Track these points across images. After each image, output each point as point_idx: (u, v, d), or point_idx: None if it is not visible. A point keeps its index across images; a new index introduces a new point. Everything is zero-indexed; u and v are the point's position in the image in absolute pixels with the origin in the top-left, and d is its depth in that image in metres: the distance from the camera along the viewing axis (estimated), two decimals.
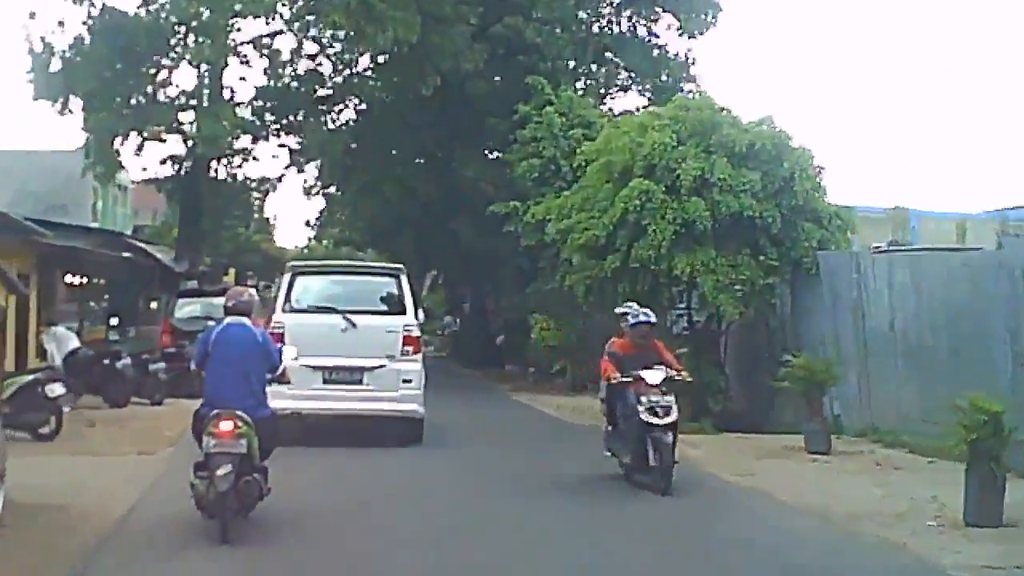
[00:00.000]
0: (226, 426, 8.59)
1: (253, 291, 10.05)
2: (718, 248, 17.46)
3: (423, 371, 15.33)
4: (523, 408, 23.49)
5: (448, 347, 44.02)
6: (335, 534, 9.29)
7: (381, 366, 14.85)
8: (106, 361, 19.63)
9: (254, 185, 27.75)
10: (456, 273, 39.13)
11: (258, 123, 27.50)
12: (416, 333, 15.34)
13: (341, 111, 32.14)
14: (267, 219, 54.21)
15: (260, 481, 8.92)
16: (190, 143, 26.63)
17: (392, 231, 38.17)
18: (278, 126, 28.19)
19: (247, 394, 8.98)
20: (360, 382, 14.88)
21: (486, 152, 31.80)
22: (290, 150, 28.37)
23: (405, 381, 14.91)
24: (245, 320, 9.32)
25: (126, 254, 28.06)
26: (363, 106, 33.14)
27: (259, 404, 9.13)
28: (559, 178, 26.50)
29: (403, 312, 15.29)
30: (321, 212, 41.38)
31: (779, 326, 18.91)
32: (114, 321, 24.06)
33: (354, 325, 14.94)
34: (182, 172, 27.10)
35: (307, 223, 43.19)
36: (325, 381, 14.79)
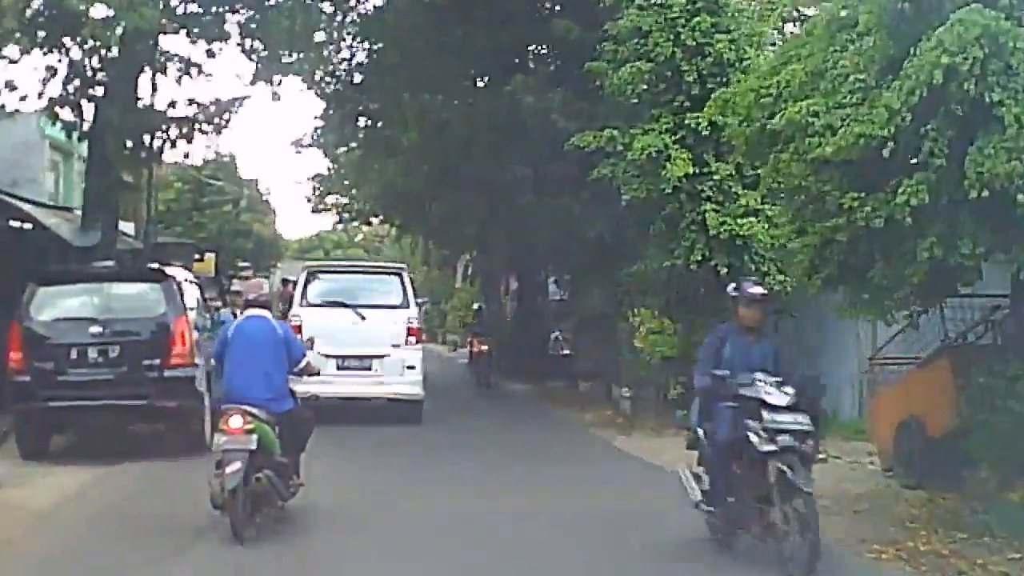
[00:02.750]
0: (235, 422, 8.52)
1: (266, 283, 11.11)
2: None
3: (423, 359, 17.51)
4: (649, 474, 13.56)
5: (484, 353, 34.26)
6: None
7: (387, 354, 16.71)
8: None
9: (199, 115, 17.66)
10: (502, 252, 29.05)
11: (205, 14, 17.48)
12: (417, 324, 17.43)
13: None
14: (261, 195, 44.41)
15: (274, 478, 8.77)
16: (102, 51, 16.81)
17: (415, 198, 28.27)
18: (237, 20, 18.01)
19: (266, 388, 8.88)
20: (369, 368, 16.70)
21: (554, 68, 21.94)
22: (257, 58, 18.26)
23: (409, 367, 16.87)
24: (265, 313, 9.34)
25: (15, 223, 18.29)
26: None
27: (280, 398, 9.03)
28: (680, 92, 16.77)
29: (407, 306, 17.32)
30: (319, 178, 31.58)
31: None
32: None
33: (363, 318, 16.78)
34: (88, 96, 17.02)
35: (307, 198, 33.59)
36: (339, 368, 16.34)
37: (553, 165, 20.63)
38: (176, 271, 14.68)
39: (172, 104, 18.51)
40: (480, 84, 23.47)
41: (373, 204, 30.27)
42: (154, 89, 18.87)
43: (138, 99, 18.00)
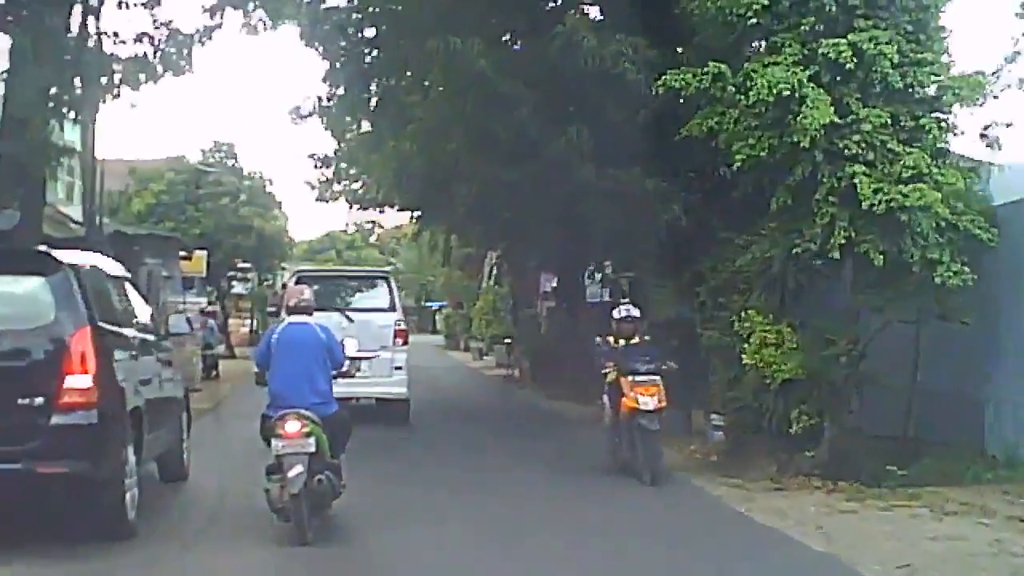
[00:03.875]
0: (293, 426, 8.58)
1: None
2: None
3: (408, 360, 18.00)
4: (799, 557, 8.80)
5: (518, 364, 29.54)
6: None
7: (376, 356, 17.10)
8: None
9: (145, 49, 12.95)
10: (543, 244, 24.22)
11: None
12: (404, 327, 18.13)
13: None
14: (264, 188, 39.69)
15: (333, 479, 8.91)
16: None
17: (436, 179, 23.51)
18: None
19: (312, 392, 9.02)
20: (359, 370, 15.36)
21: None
22: None
23: (396, 368, 17.59)
24: (307, 319, 9.49)
25: None
26: None
27: (326, 401, 9.16)
28: (811, 12, 12.18)
29: (393, 309, 18.04)
30: (324, 159, 26.70)
31: None
32: None
33: (351, 321, 16.81)
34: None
35: (310, 184, 28.70)
36: None
37: (619, 127, 15.95)
38: (93, 259, 9.73)
39: (115, 37, 13.74)
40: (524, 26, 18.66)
41: (387, 189, 25.46)
42: (89, 17, 14.02)
43: (68, 30, 13.29)
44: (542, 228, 20.70)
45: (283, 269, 40.88)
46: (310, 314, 9.57)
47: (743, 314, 13.06)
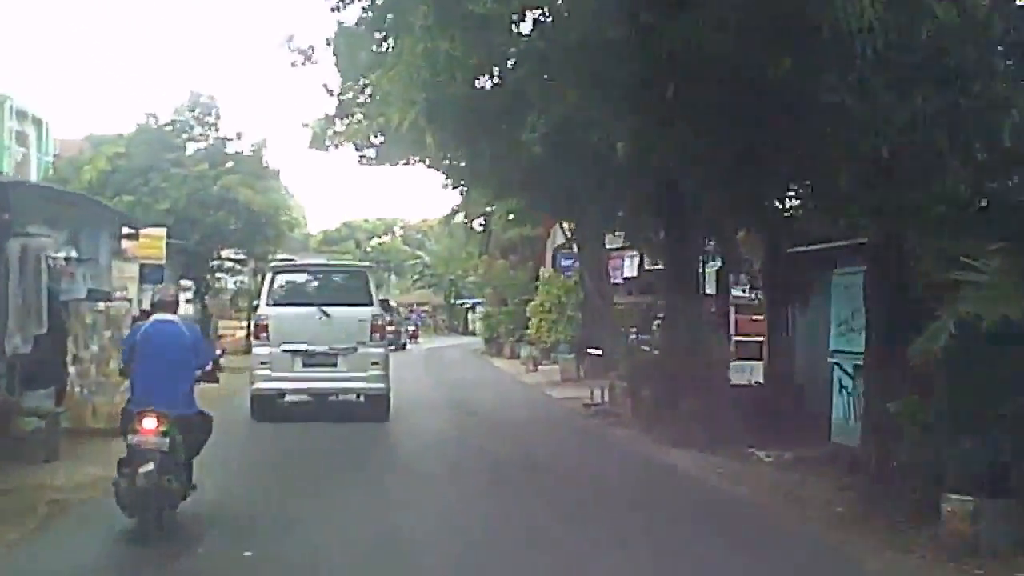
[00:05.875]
0: (149, 423, 8.62)
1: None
2: None
3: (387, 354, 17.60)
4: None
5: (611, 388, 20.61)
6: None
7: (353, 350, 16.92)
8: None
9: None
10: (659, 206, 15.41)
11: None
12: (381, 322, 17.59)
13: None
14: (257, 152, 30.81)
15: (183, 480, 9.04)
16: None
17: (491, 109, 14.93)
18: None
19: (172, 392, 9.01)
20: (335, 365, 16.87)
21: None
22: None
23: (373, 363, 17.06)
24: (172, 317, 9.44)
25: None
26: None
27: (186, 402, 9.20)
28: None
29: (370, 304, 17.48)
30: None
31: None
32: None
33: (328, 315, 16.89)
34: None
35: (306, 125, 19.55)
36: (304, 364, 16.86)
37: None
38: None
39: None
40: None
41: (413, 131, 16.56)
42: None
43: None
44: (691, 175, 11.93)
45: (273, 257, 32.38)
46: (174, 311, 9.56)
47: None
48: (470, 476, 12.70)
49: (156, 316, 9.41)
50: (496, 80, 15.98)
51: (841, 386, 13.96)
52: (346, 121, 18.50)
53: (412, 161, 20.06)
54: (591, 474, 13.24)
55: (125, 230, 20.76)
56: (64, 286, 15.17)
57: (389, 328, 42.74)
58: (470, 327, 71.63)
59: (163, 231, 23.49)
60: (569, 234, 26.51)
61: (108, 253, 17.77)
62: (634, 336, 26.01)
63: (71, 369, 15.04)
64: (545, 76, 13.62)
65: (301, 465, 13.19)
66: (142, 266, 24.81)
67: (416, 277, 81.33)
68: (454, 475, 12.65)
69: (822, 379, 16.04)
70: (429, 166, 21.07)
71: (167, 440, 8.60)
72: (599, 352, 20.43)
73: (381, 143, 18.19)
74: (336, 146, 18.78)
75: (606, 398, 19.36)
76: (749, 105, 10.13)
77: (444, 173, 23.71)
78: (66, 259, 15.07)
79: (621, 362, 19.09)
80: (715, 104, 10.52)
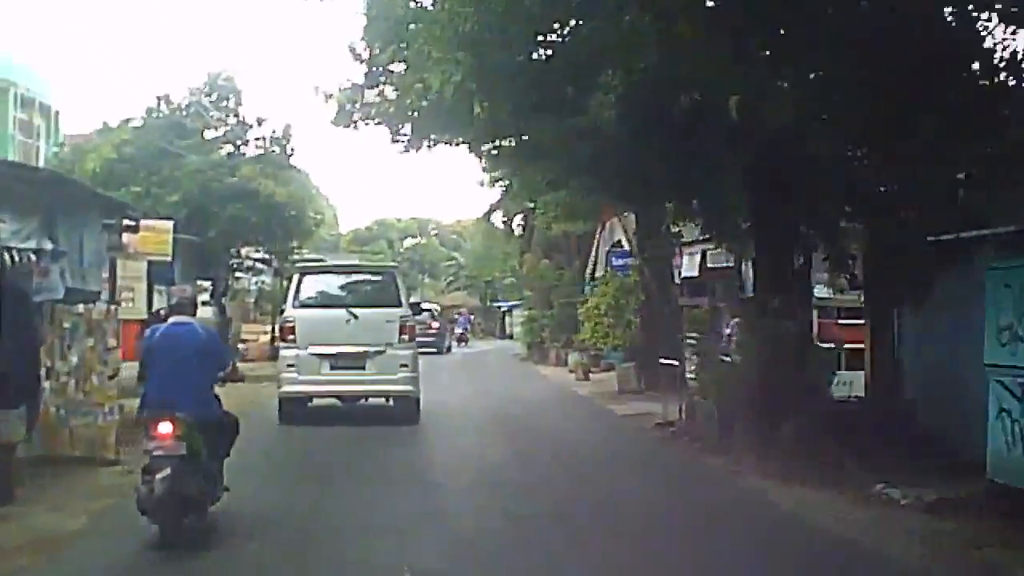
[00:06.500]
0: (164, 428, 8.51)
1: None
2: None
3: (417, 356, 17.12)
4: None
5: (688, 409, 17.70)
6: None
7: (381, 352, 16.53)
8: None
9: None
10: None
11: None
12: (411, 323, 17.18)
13: None
14: (280, 140, 28.00)
15: (208, 484, 8.86)
16: None
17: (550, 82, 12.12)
18: None
19: (190, 395, 8.79)
20: (363, 367, 16.49)
21: None
22: None
23: (402, 365, 16.65)
24: (189, 319, 9.29)
25: None
26: None
27: (206, 404, 9.06)
28: None
29: (399, 305, 17.04)
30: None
31: None
32: None
33: (356, 317, 16.58)
34: None
35: (327, 97, 16.31)
36: (332, 367, 16.51)
37: None
38: None
39: None
40: None
41: (461, 94, 13.75)
42: None
43: None
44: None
45: (299, 256, 29.57)
46: (192, 313, 9.38)
47: None
48: (536, 525, 9.83)
49: (173, 318, 9.25)
50: (561, 35, 13.19)
51: (1002, 409, 10.99)
52: (377, 90, 15.69)
53: (452, 141, 17.20)
54: (690, 522, 10.31)
55: (127, 222, 18.07)
56: (36, 284, 12.47)
57: (432, 330, 41.33)
58: (506, 331, 68.90)
59: (169, 224, 20.77)
60: (633, 225, 23.59)
61: (96, 246, 15.03)
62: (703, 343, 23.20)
63: (44, 385, 12.36)
64: (628, 18, 10.82)
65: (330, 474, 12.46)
66: (150, 264, 22.21)
67: (450, 279, 78.90)
68: (518, 527, 9.78)
69: (941, 393, 13.37)
70: (471, 150, 18.15)
71: (184, 444, 8.51)
72: (674, 362, 17.46)
73: (415, 117, 15.34)
74: (365, 122, 15.95)
75: (682, 416, 16.45)
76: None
77: (488, 158, 20.89)
78: (35, 251, 12.34)
79: (699, 374, 16.17)
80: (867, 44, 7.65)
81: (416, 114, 15.27)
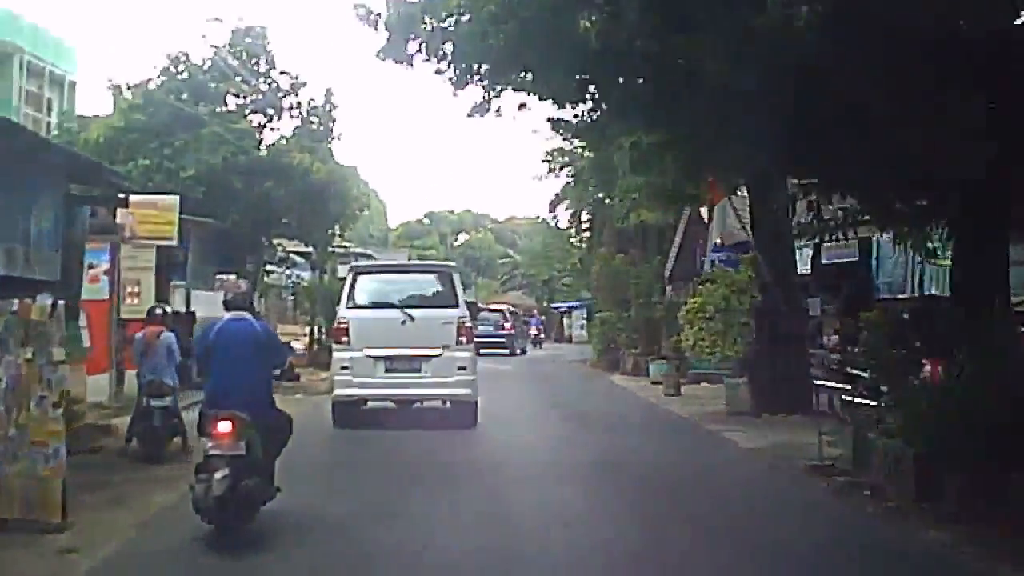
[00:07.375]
0: (224, 427, 8.38)
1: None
2: None
3: (475, 359, 16.50)
4: None
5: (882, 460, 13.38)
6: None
7: (438, 355, 16.02)
8: None
9: None
10: None
11: None
12: (468, 324, 16.57)
13: None
14: (321, 107, 23.86)
15: (262, 485, 8.65)
16: None
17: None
18: None
19: (249, 393, 8.69)
20: (419, 370, 16.03)
21: None
22: None
23: (460, 368, 16.13)
24: (246, 315, 9.10)
25: None
26: None
27: (264, 403, 8.91)
28: None
29: (456, 305, 16.46)
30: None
31: None
32: None
33: (412, 318, 16.12)
34: None
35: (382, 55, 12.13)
36: (387, 370, 16.08)
37: None
38: None
39: None
40: None
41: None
42: None
43: None
44: None
45: (341, 246, 25.48)
46: (247, 309, 9.20)
47: None
48: None
49: (229, 315, 9.00)
50: None
51: None
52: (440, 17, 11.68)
53: (539, 93, 13.07)
54: None
55: (120, 196, 14.09)
56: None
57: (503, 331, 38.95)
58: (565, 333, 64.78)
59: (173, 200, 16.83)
60: (746, 209, 19.25)
61: (54, 221, 11.03)
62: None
63: None
64: None
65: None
66: (159, 251, 18.39)
67: (505, 278, 75.02)
68: None
69: None
70: (555, 102, 13.96)
71: (243, 443, 8.37)
72: (826, 382, 13.14)
73: (497, 47, 11.25)
74: (424, 57, 11.83)
75: (847, 453, 12.11)
76: None
77: (567, 128, 16.78)
78: None
79: (887, 402, 11.82)
80: None
81: (501, 39, 11.07)
